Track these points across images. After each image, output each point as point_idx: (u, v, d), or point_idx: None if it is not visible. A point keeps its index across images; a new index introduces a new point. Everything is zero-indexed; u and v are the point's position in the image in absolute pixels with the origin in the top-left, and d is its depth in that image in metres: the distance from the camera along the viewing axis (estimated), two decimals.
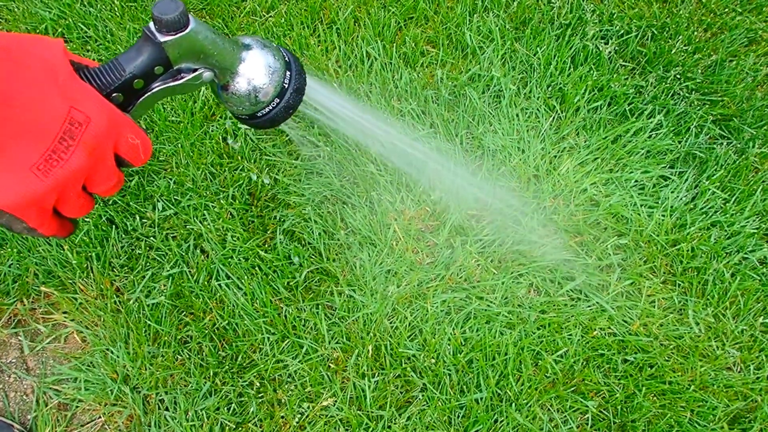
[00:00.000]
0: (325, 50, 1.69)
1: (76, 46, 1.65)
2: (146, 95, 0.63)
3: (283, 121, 0.80)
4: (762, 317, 1.40)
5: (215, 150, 1.52)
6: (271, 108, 0.76)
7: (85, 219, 1.43)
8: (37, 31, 1.67)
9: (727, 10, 1.79)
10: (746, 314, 1.41)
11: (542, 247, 1.47)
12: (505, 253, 1.46)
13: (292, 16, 1.72)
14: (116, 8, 1.71)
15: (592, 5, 1.76)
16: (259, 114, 0.77)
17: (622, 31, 1.72)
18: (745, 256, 1.47)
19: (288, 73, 0.76)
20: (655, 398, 1.33)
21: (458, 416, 1.31)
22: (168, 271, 1.40)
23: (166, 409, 1.32)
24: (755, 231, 1.49)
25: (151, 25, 0.61)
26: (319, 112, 1.01)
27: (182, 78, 0.66)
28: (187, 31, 0.62)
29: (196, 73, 0.67)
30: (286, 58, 0.77)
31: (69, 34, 1.68)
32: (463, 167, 1.49)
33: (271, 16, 1.74)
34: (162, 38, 0.61)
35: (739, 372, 1.38)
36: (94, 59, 1.61)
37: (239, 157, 1.52)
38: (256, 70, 0.72)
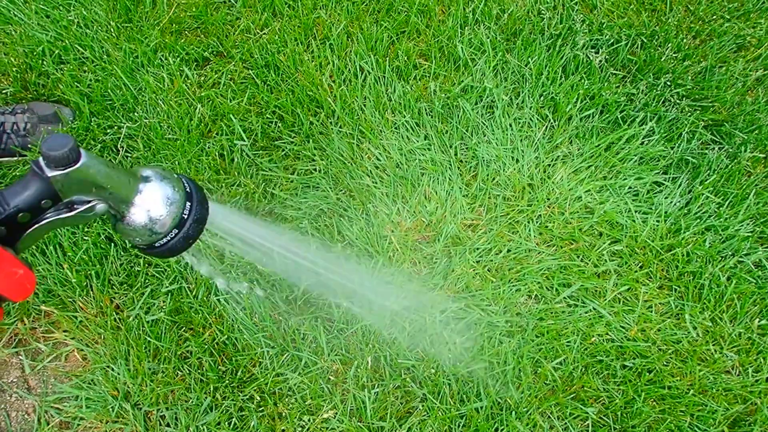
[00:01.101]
0: (319, 66, 1.71)
1: (73, 67, 1.67)
2: (34, 227, 0.63)
3: (183, 251, 0.79)
4: (758, 320, 1.41)
5: (212, 166, 1.54)
6: (169, 239, 0.76)
7: (84, 237, 1.44)
8: (34, 53, 1.69)
9: (715, 17, 1.82)
10: (743, 317, 1.42)
11: (539, 254, 1.48)
12: (502, 261, 1.47)
13: (286, 33, 1.74)
14: (112, 29, 1.73)
15: (581, 15, 1.78)
16: (157, 245, 0.76)
17: (612, 40, 1.74)
18: (740, 259, 1.48)
19: (188, 203, 0.76)
20: (654, 403, 1.34)
21: (459, 426, 1.32)
22: (167, 287, 1.41)
23: (168, 425, 1.32)
24: (749, 234, 1.50)
25: (40, 159, 0.61)
26: (225, 240, 1.01)
27: (75, 209, 0.66)
28: (77, 165, 0.61)
29: (89, 205, 0.67)
30: (188, 188, 0.77)
31: (66, 55, 1.70)
32: (368, 277, 1.48)
33: (264, 34, 1.76)
34: (50, 173, 0.60)
35: (738, 375, 1.38)
36: (90, 80, 1.64)
37: (236, 173, 1.54)
38: (153, 202, 0.72)
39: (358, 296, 1.38)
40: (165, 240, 0.76)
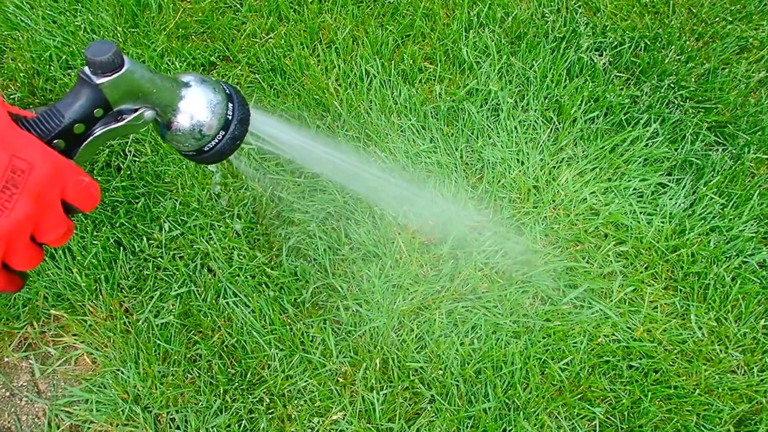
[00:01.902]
0: (325, 69, 1.72)
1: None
2: (89, 139, 0.63)
3: (231, 153, 0.80)
4: (763, 320, 1.42)
5: (220, 170, 1.55)
6: (216, 141, 0.76)
7: (93, 241, 1.45)
8: (41, 58, 1.70)
9: (717, 19, 1.83)
10: (748, 317, 1.43)
11: (545, 256, 1.49)
12: (509, 263, 1.48)
13: (292, 37, 1.76)
14: (119, 34, 1.74)
15: (585, 18, 1.80)
16: (206, 149, 0.77)
17: (616, 43, 1.75)
18: (745, 259, 1.49)
19: (230, 105, 0.77)
20: (661, 403, 1.35)
21: (467, 426, 1.32)
22: (176, 290, 1.42)
23: (177, 427, 1.33)
24: (754, 235, 1.51)
25: (86, 68, 0.61)
26: (267, 141, 1.02)
27: (124, 119, 0.66)
28: (122, 71, 0.62)
29: (138, 113, 0.67)
30: (227, 91, 0.77)
31: (73, 60, 1.71)
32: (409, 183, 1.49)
33: (270, 38, 1.77)
34: (98, 80, 0.61)
35: (743, 375, 1.39)
36: None
37: (244, 177, 1.55)
38: (198, 106, 0.73)
39: (402, 200, 1.41)
40: (213, 143, 0.76)
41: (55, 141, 0.60)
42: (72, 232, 0.59)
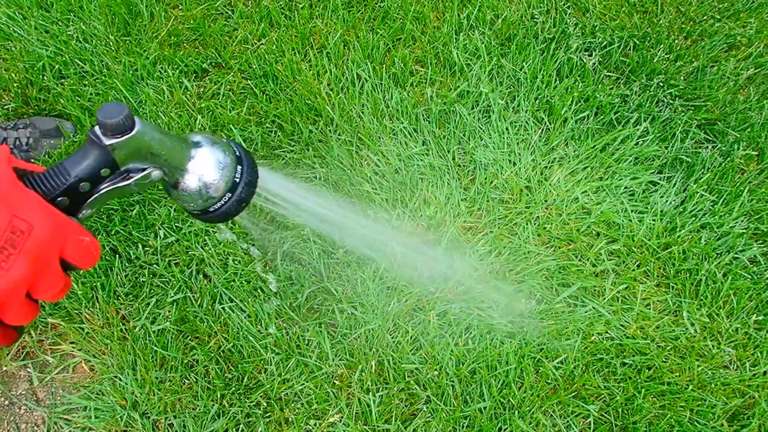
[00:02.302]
0: (317, 74, 1.73)
1: (74, 81, 1.69)
2: (94, 197, 0.63)
3: (236, 214, 0.80)
4: (755, 315, 1.44)
5: None
6: (223, 203, 0.76)
7: None
8: (35, 68, 1.71)
9: (705, 17, 1.85)
10: (739, 313, 1.44)
11: (538, 255, 1.50)
12: (502, 263, 1.49)
13: (283, 43, 1.77)
14: (111, 43, 1.75)
15: (574, 19, 1.81)
16: (211, 209, 0.77)
17: (605, 43, 1.77)
18: (736, 256, 1.51)
19: (239, 167, 0.77)
20: (654, 399, 1.36)
21: (463, 426, 1.34)
22: (172, 297, 1.43)
23: None
24: (744, 231, 1.53)
25: (96, 128, 0.61)
26: (274, 203, 1.02)
27: (131, 178, 0.66)
28: (133, 133, 0.62)
29: (145, 172, 0.67)
30: (237, 153, 0.78)
31: (66, 69, 1.72)
32: (421, 244, 1.51)
33: (262, 44, 1.79)
34: (107, 141, 0.61)
35: (736, 370, 1.41)
36: (91, 93, 1.66)
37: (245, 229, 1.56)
38: (206, 167, 0.73)
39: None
40: (219, 204, 0.76)
41: (59, 198, 0.60)
42: (69, 288, 0.60)
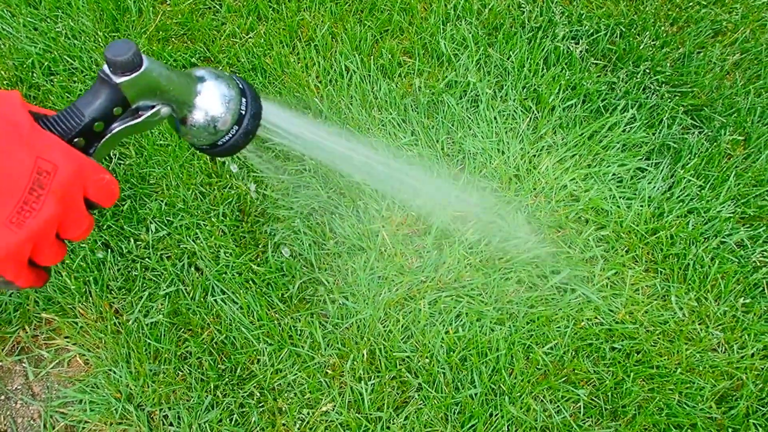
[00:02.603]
0: (306, 67, 1.74)
1: (63, 78, 1.70)
2: (107, 136, 0.65)
3: (243, 147, 0.81)
4: (742, 298, 1.45)
5: (203, 170, 1.57)
6: (230, 136, 0.78)
7: (81, 244, 1.47)
8: (24, 65, 1.71)
9: (691, 3, 1.85)
10: (727, 296, 1.46)
11: (527, 243, 1.51)
12: (492, 251, 1.50)
13: (271, 36, 1.77)
14: (100, 39, 1.76)
15: (561, 7, 1.82)
16: (219, 143, 0.78)
17: (592, 31, 1.78)
18: (723, 240, 1.52)
19: (243, 100, 0.78)
20: (643, 383, 1.37)
21: (454, 413, 1.35)
22: (164, 290, 1.44)
23: (171, 424, 1.35)
24: (731, 215, 1.54)
25: (106, 68, 0.62)
26: (279, 135, 1.04)
27: (141, 116, 0.67)
28: (141, 69, 0.63)
29: (155, 109, 0.68)
30: (240, 86, 0.79)
31: (55, 66, 1.73)
32: (431, 174, 1.52)
33: (250, 37, 1.79)
34: (118, 79, 0.62)
35: (724, 352, 1.42)
36: (81, 90, 1.67)
37: (227, 176, 1.57)
38: (212, 101, 0.74)
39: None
40: (227, 137, 0.78)
41: (75, 139, 0.61)
42: (92, 227, 0.62)
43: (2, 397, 1.41)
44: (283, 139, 1.06)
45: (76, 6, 1.81)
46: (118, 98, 0.64)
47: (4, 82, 1.68)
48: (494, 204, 1.48)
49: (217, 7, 1.85)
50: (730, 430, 1.33)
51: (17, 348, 1.45)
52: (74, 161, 0.56)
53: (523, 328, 1.42)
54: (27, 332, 1.45)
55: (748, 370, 1.38)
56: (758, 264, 1.49)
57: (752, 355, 1.40)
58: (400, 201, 1.54)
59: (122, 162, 1.59)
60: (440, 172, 1.58)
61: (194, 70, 0.76)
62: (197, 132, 0.75)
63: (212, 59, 1.76)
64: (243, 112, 0.78)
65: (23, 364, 1.44)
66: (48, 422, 1.38)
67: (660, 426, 1.34)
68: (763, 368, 1.39)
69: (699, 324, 1.44)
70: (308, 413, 1.35)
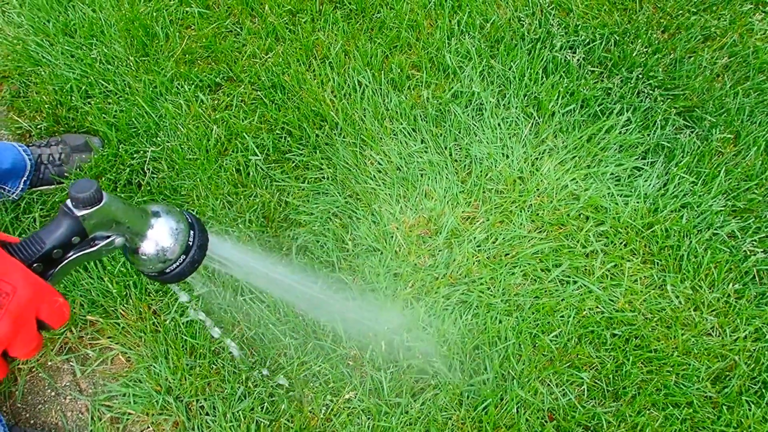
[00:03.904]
0: (321, 83, 1.87)
1: (99, 100, 1.84)
2: (64, 263, 0.72)
3: (190, 274, 0.90)
4: (734, 284, 1.55)
5: (230, 181, 1.70)
6: (178, 264, 0.86)
7: (121, 252, 1.60)
8: (63, 90, 1.86)
9: (682, 11, 1.97)
10: (720, 284, 1.56)
11: (531, 240, 1.63)
12: (499, 248, 1.62)
13: (289, 55, 1.91)
14: (131, 64, 1.90)
15: (558, 19, 1.94)
16: (167, 271, 0.87)
17: (588, 40, 1.89)
18: (715, 231, 1.62)
19: (191, 232, 0.87)
20: (642, 365, 1.48)
21: (468, 397, 1.46)
22: (198, 291, 1.57)
23: (207, 413, 1.48)
24: (722, 209, 1.64)
25: (68, 202, 0.72)
26: (223, 264, 1.15)
27: (97, 245, 0.76)
28: (101, 204, 0.72)
29: (109, 239, 0.77)
30: (189, 220, 0.89)
31: (92, 90, 1.87)
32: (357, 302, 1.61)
33: (269, 57, 1.93)
34: (79, 212, 0.71)
35: (718, 336, 1.52)
36: (115, 110, 1.81)
37: (252, 185, 1.70)
38: (163, 234, 0.83)
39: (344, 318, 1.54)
40: (174, 266, 0.87)
41: (35, 264, 0.69)
42: (41, 347, 0.69)
43: (53, 394, 1.55)
44: (226, 268, 1.17)
45: (108, 34, 1.96)
46: (78, 229, 0.72)
47: (46, 106, 1.83)
48: (402, 324, 1.56)
49: (238, 30, 2.00)
50: (724, 407, 1.43)
51: (65, 348, 1.58)
52: (32, 285, 0.63)
53: (530, 317, 1.53)
54: (73, 333, 1.58)
55: (740, 351, 1.48)
56: (748, 253, 1.59)
57: (744, 337, 1.50)
58: (417, 202, 1.66)
59: (156, 175, 1.73)
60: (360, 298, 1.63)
61: (149, 206, 0.86)
62: (147, 261, 0.85)
63: (235, 78, 1.90)
64: (190, 243, 0.87)
65: (71, 363, 1.57)
66: (95, 415, 1.51)
67: (659, 405, 1.44)
68: (754, 350, 1.49)
69: (694, 310, 1.54)
70: (332, 401, 1.46)
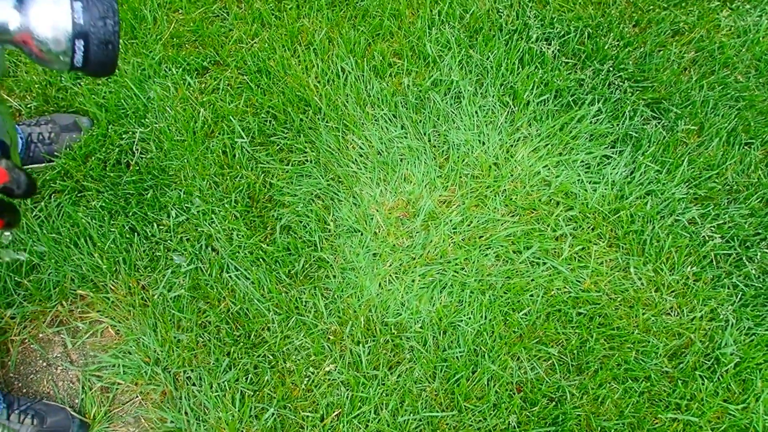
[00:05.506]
0: (306, 69, 1.93)
1: (89, 81, 1.88)
2: None
3: (114, 59, 0.74)
4: (692, 267, 1.65)
5: (217, 162, 1.76)
6: (82, 52, 0.72)
7: (111, 229, 1.66)
8: (53, 71, 1.90)
9: (653, 6, 2.05)
10: (680, 267, 1.66)
11: (504, 223, 1.71)
12: (473, 230, 1.70)
13: (274, 41, 1.97)
14: (120, 45, 1.94)
15: (534, 11, 2.01)
16: (77, 63, 0.73)
17: (563, 32, 1.97)
18: (677, 218, 1.72)
19: (75, 4, 0.71)
20: (605, 342, 1.58)
21: (441, 370, 1.55)
22: (185, 267, 1.64)
23: (193, 384, 1.55)
24: (684, 196, 1.74)
25: None
26: None
27: None
28: None
29: None
30: None
31: None
32: None
33: (255, 43, 1.98)
34: None
35: (676, 315, 1.62)
36: (105, 92, 1.85)
37: (238, 167, 1.76)
38: (39, 24, 0.70)
39: None
40: (78, 55, 0.72)
41: None
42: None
43: (44, 364, 1.61)
44: None
45: None
46: None
47: (36, 86, 1.87)
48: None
49: (225, 15, 2.04)
50: (679, 381, 1.54)
51: (56, 321, 1.64)
52: None
53: (501, 296, 1.62)
54: (64, 307, 1.64)
55: (696, 330, 1.59)
56: (707, 238, 1.69)
57: (701, 317, 1.61)
58: (396, 185, 1.74)
59: (144, 156, 1.78)
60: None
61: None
62: (49, 61, 0.73)
63: (222, 63, 1.95)
64: (80, 22, 0.72)
65: (62, 335, 1.63)
66: (86, 385, 1.58)
67: (619, 379, 1.54)
68: (709, 328, 1.59)
69: (655, 291, 1.64)
70: (313, 372, 1.54)
